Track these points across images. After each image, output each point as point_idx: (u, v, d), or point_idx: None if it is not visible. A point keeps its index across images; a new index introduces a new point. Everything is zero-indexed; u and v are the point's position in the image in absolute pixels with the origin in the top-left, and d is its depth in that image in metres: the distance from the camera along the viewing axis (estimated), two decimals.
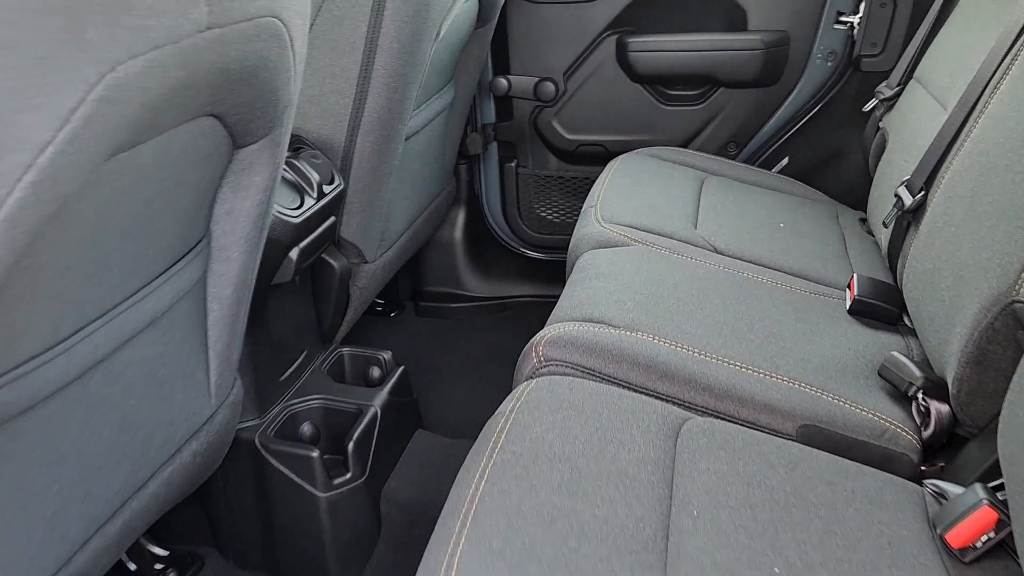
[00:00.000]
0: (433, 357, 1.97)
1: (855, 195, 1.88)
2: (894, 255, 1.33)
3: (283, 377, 1.40)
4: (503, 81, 2.00)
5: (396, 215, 1.65)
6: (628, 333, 1.08)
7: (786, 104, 1.94)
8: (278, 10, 0.70)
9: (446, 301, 2.18)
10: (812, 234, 1.54)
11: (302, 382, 1.45)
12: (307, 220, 1.25)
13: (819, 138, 1.97)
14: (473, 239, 2.20)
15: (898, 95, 1.64)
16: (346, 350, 1.58)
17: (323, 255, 1.43)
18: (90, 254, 0.66)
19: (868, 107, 1.71)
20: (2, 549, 0.69)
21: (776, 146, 1.99)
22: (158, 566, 1.32)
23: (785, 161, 2.00)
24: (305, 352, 1.48)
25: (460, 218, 2.17)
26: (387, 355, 1.57)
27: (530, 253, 2.22)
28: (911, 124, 1.50)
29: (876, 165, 1.67)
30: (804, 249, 1.47)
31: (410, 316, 2.16)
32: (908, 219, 1.28)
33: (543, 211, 2.17)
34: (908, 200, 1.24)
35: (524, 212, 2.17)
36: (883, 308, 1.24)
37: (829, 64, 1.89)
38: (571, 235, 1.51)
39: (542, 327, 1.13)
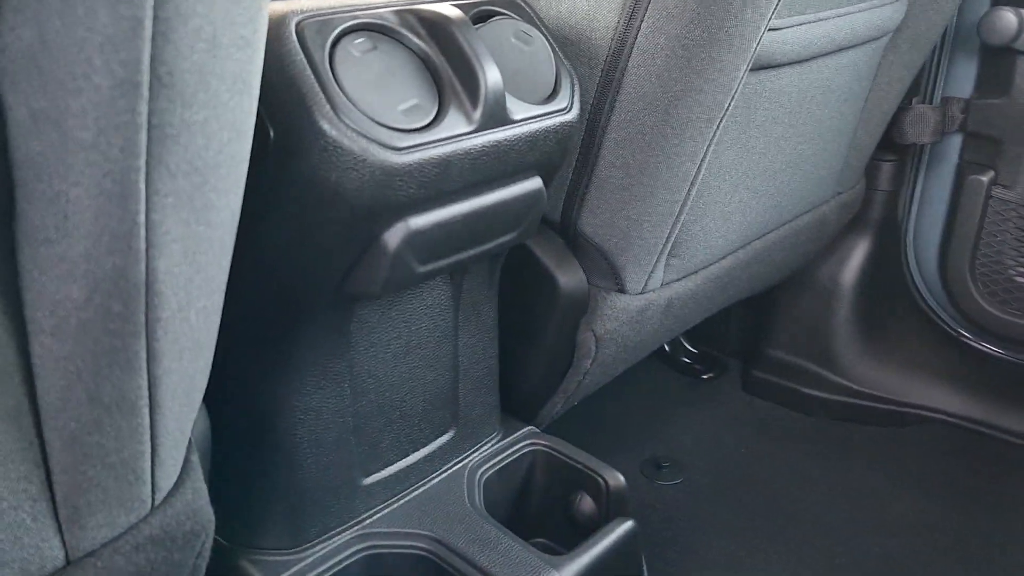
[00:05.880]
0: (743, 474, 1.13)
1: None
2: None
3: (370, 480, 0.70)
4: (1009, 18, 1.05)
5: (722, 216, 0.86)
6: None
7: None
8: None
9: (800, 382, 1.30)
10: None
11: (423, 490, 0.75)
12: (439, 161, 0.54)
13: None
14: (874, 295, 1.29)
15: None
16: (543, 445, 0.83)
17: (529, 264, 0.76)
18: None
19: None
20: None
21: None
22: None
23: None
24: (447, 435, 0.77)
25: (857, 252, 1.27)
26: (613, 480, 0.78)
27: (978, 345, 1.25)
28: None
29: None
30: None
31: (732, 387, 1.34)
32: None
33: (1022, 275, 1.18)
34: None
35: (982, 270, 1.20)
36: None
37: None
38: None
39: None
